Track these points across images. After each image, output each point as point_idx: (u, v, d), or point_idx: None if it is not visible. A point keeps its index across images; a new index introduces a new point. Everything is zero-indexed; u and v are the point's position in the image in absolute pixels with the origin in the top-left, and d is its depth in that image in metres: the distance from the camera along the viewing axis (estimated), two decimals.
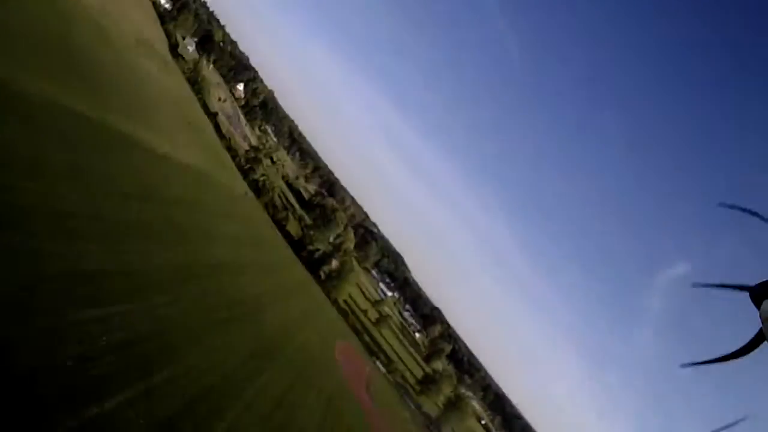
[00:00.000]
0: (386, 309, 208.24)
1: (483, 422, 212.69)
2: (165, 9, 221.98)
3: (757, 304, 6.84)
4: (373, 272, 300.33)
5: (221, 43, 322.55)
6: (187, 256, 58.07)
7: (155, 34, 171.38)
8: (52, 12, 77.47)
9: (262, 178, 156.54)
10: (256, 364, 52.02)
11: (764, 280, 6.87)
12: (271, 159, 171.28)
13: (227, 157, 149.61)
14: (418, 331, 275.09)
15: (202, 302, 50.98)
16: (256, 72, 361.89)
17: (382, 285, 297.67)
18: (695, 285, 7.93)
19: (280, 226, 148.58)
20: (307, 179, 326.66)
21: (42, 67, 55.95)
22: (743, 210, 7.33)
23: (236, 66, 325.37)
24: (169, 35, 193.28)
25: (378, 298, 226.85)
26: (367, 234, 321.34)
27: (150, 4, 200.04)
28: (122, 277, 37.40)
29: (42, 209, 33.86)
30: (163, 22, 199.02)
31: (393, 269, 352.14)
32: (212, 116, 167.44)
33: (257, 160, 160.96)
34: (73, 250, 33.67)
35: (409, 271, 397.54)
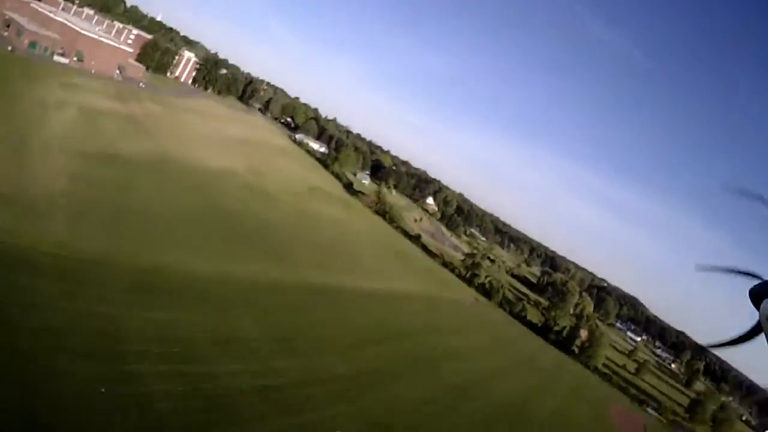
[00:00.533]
0: (640, 355, 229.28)
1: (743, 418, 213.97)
2: (322, 153, 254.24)
3: (757, 304, 7.07)
4: (618, 324, 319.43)
5: (393, 167, 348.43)
6: (455, 377, 75.91)
7: (323, 179, 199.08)
8: (220, 197, 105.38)
9: (487, 280, 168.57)
10: None
11: (764, 280, 7.10)
12: (489, 258, 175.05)
13: (446, 272, 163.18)
14: (673, 362, 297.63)
15: (485, 412, 69.38)
16: (438, 182, 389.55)
17: (629, 333, 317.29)
18: (698, 268, 8.50)
19: (521, 317, 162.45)
20: (528, 263, 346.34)
21: (238, 252, 78.52)
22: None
23: (418, 183, 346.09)
24: (338, 176, 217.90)
25: (630, 347, 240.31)
26: (600, 291, 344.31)
27: (301, 154, 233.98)
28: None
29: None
30: (326, 166, 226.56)
31: (633, 314, 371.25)
32: (416, 239, 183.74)
33: (476, 265, 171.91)
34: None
35: (647, 309, 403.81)
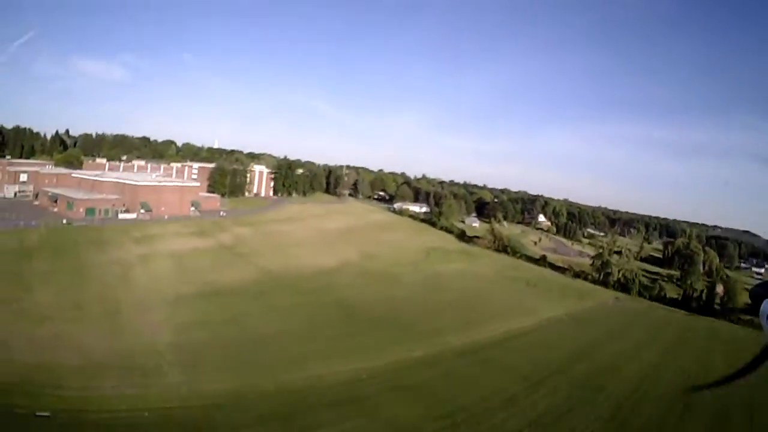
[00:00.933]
0: None
1: None
2: (425, 213, 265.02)
3: (757, 304, 9.00)
4: (742, 265, 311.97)
5: (495, 199, 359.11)
6: (638, 373, 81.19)
7: (435, 238, 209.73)
8: (339, 293, 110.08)
9: (620, 274, 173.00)
10: None
11: (764, 281, 9.54)
12: (616, 252, 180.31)
13: (580, 283, 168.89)
14: None
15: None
16: (541, 197, 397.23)
17: (754, 269, 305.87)
18: None
19: (661, 299, 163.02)
20: (648, 241, 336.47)
21: (373, 342, 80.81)
22: None
23: (523, 205, 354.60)
24: (448, 229, 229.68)
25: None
26: (718, 240, 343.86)
27: (405, 222, 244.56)
28: None
29: None
30: (433, 224, 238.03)
31: (750, 248, 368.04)
32: (542, 261, 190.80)
33: (606, 264, 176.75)
34: None
35: (759, 238, 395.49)
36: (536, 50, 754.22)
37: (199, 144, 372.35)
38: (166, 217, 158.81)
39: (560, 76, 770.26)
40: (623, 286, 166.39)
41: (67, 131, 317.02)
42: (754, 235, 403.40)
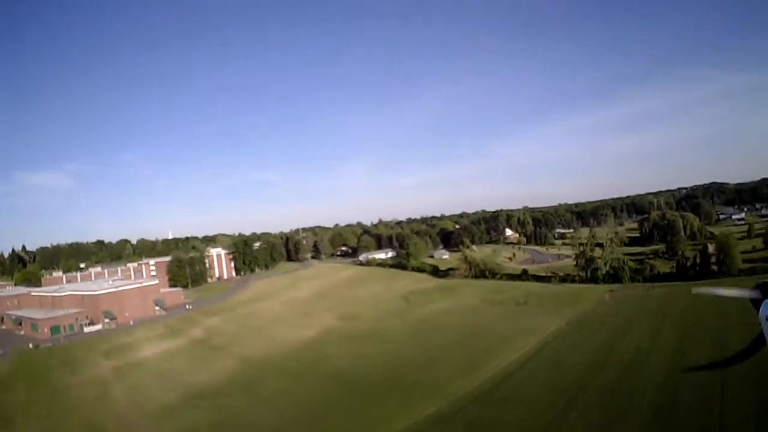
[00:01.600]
0: (755, 227, 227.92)
1: None
2: (393, 258, 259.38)
3: (757, 305, 7.64)
4: (721, 216, 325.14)
5: (456, 225, 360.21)
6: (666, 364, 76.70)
7: (410, 281, 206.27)
8: (325, 364, 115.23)
9: (607, 267, 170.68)
10: None
11: (764, 281, 7.84)
12: (598, 245, 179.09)
13: (569, 286, 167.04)
14: None
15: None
16: (501, 211, 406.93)
17: (733, 217, 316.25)
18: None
19: (655, 278, 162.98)
20: (620, 224, 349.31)
21: (377, 412, 79.37)
22: None
23: (487, 224, 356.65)
24: (420, 269, 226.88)
25: (742, 229, 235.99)
26: (689, 200, 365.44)
27: (375, 272, 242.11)
28: None
29: None
30: (404, 267, 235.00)
31: (724, 198, 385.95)
32: (525, 275, 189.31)
33: (590, 260, 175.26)
34: None
35: (729, 184, 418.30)
36: (465, 71, 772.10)
37: (153, 238, 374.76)
38: (131, 322, 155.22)
39: (491, 91, 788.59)
40: (614, 277, 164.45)
41: (24, 247, 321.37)
42: (722, 184, 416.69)
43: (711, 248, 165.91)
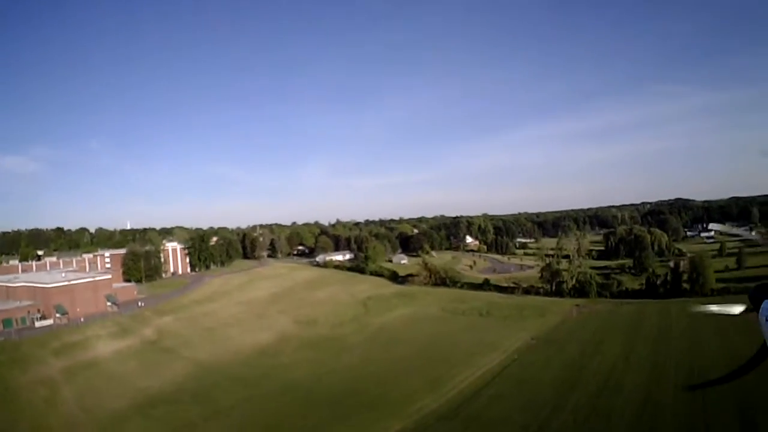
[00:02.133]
0: (726, 246, 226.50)
1: None
2: (350, 260, 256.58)
3: (756, 305, 7.80)
4: (688, 233, 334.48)
5: (414, 230, 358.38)
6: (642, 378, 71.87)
7: (368, 285, 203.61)
8: (281, 373, 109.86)
9: (573, 281, 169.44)
10: None
11: (763, 282, 7.98)
12: (564, 257, 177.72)
13: (532, 299, 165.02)
14: (752, 230, 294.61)
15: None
16: (461, 217, 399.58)
17: (702, 234, 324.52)
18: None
19: (624, 294, 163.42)
20: (583, 236, 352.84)
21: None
22: None
23: (447, 230, 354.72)
24: (379, 273, 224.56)
25: (714, 246, 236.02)
26: (655, 215, 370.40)
27: (332, 274, 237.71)
28: None
29: None
30: (362, 271, 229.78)
31: (691, 215, 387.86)
32: (486, 285, 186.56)
33: (556, 273, 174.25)
34: None
35: (695, 201, 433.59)
36: (428, 80, 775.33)
37: (112, 227, 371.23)
38: (82, 319, 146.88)
39: (453, 100, 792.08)
40: (580, 291, 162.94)
41: None
42: (688, 200, 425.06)
43: (682, 266, 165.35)
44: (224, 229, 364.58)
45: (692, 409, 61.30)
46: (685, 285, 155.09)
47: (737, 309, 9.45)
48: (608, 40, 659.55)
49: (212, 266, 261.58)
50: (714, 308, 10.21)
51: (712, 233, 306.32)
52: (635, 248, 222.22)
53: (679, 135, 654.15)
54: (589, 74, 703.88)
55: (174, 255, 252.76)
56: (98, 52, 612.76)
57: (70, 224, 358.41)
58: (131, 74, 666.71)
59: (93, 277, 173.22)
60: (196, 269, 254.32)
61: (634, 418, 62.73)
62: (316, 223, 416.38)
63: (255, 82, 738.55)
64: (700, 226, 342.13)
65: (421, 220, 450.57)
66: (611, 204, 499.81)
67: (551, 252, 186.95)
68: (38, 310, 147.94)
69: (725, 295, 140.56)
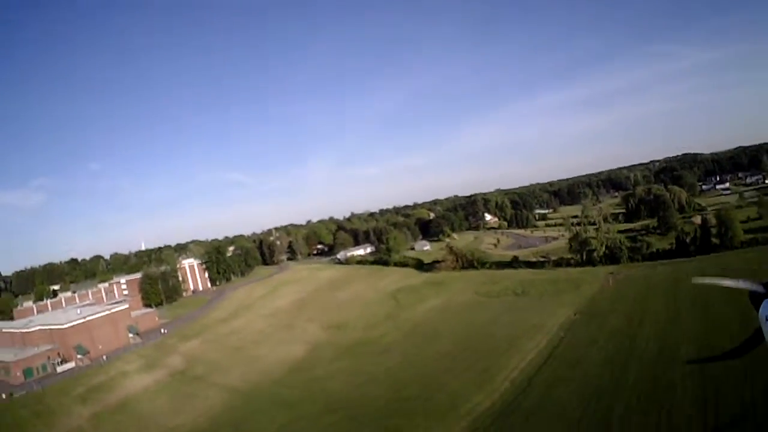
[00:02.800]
0: (746, 196, 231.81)
1: None
2: (372, 253, 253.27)
3: (756, 304, 8.23)
4: (703, 187, 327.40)
5: (431, 214, 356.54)
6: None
7: (396, 277, 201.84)
8: (319, 382, 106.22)
9: (603, 248, 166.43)
10: None
11: (764, 281, 8.31)
12: (590, 224, 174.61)
13: (564, 271, 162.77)
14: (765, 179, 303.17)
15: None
16: (478, 195, 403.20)
17: (717, 187, 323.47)
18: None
19: (655, 255, 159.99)
20: (598, 200, 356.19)
21: None
22: None
23: (465, 210, 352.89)
24: (403, 263, 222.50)
25: (732, 199, 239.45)
26: (668, 172, 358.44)
27: (355, 271, 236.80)
28: None
29: None
30: (386, 263, 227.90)
31: (704, 168, 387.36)
32: (516, 262, 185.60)
33: (585, 243, 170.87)
34: None
35: (704, 153, 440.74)
36: (428, 61, 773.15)
37: (126, 251, 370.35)
38: (104, 357, 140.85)
39: (454, 78, 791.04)
40: (611, 258, 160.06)
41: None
42: (696, 154, 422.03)
43: (710, 219, 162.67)
44: (240, 236, 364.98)
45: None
46: (714, 240, 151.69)
47: (739, 284, 9.74)
48: (605, 4, 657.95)
49: (232, 277, 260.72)
50: (720, 281, 10.63)
51: (727, 185, 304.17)
52: (657, 208, 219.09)
53: (682, 94, 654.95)
54: (583, 40, 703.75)
55: (192, 272, 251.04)
56: (85, 68, 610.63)
57: (85, 253, 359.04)
58: (120, 87, 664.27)
59: (110, 309, 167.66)
60: (217, 283, 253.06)
61: (699, 389, 59.96)
62: (331, 219, 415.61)
63: (250, 82, 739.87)
64: (713, 179, 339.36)
65: (435, 202, 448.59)
66: (621, 165, 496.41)
67: (576, 220, 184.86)
68: (58, 354, 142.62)
69: (755, 246, 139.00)
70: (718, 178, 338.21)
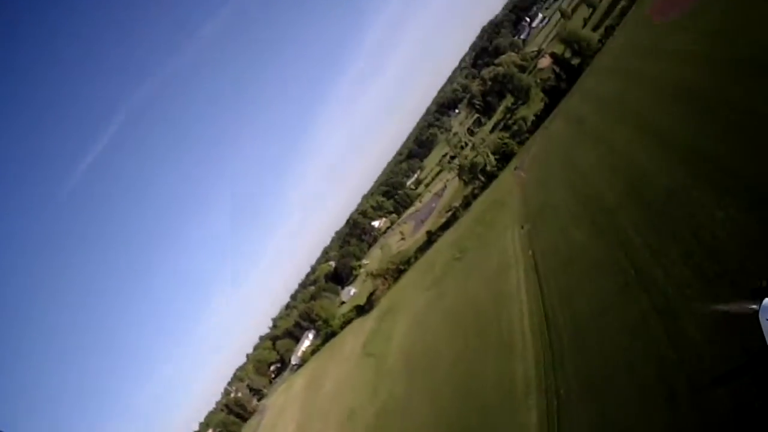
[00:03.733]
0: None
1: None
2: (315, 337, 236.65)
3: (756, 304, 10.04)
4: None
5: (330, 265, 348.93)
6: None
7: (350, 346, 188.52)
8: None
9: (479, 154, 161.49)
10: None
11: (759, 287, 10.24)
12: (461, 147, 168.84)
13: (475, 209, 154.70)
14: None
15: None
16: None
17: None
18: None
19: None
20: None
21: None
22: None
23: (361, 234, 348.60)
24: (344, 324, 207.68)
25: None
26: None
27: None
28: None
29: None
30: (332, 336, 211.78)
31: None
32: (430, 236, 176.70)
33: (472, 166, 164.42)
34: None
35: None
36: None
37: None
38: None
39: None
40: (505, 158, 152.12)
41: None
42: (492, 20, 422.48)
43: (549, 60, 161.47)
44: (209, 414, 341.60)
45: None
46: (573, 62, 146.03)
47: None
48: None
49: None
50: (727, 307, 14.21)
51: (540, 17, 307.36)
52: (503, 86, 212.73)
53: None
54: None
55: None
56: None
57: None
58: None
59: None
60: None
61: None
62: (262, 338, 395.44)
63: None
64: (525, 23, 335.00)
65: (326, 252, 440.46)
66: (442, 84, 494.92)
67: (448, 157, 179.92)
68: None
69: (612, 34, 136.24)
70: (528, 19, 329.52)
